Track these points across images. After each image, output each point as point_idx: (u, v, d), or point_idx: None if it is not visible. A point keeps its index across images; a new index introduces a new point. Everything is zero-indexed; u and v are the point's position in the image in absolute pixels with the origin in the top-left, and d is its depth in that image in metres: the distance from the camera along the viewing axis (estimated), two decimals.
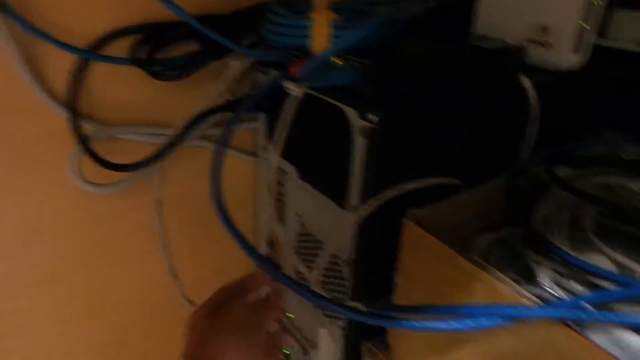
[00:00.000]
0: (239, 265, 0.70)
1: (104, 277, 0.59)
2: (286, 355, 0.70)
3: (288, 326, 0.67)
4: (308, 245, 0.56)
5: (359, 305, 0.35)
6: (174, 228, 0.60)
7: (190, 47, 0.50)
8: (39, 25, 0.44)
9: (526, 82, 0.47)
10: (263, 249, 0.64)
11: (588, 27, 0.53)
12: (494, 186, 0.47)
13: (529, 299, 0.32)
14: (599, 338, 0.30)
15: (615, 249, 0.39)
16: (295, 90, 0.41)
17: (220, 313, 0.40)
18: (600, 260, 0.38)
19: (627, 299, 0.32)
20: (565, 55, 0.52)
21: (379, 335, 0.51)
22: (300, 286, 0.35)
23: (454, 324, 0.28)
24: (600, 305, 0.31)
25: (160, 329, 0.66)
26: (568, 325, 0.29)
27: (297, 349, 0.64)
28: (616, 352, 0.29)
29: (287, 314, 0.65)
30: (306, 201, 0.55)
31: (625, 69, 0.59)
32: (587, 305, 0.29)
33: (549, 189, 0.48)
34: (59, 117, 0.47)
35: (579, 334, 0.28)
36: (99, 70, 0.49)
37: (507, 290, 0.33)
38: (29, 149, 0.48)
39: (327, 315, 0.56)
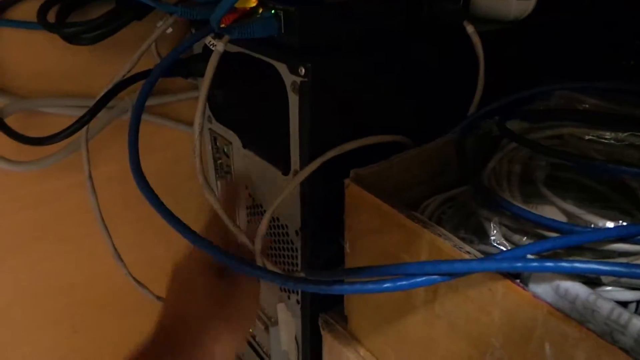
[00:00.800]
0: (185, 245, 0.67)
1: (45, 262, 0.56)
2: (250, 333, 0.68)
3: None
4: (259, 217, 0.53)
5: (298, 274, 0.33)
6: (115, 208, 0.56)
7: (106, 8, 0.45)
8: None
9: (470, 29, 0.44)
10: None
11: None
12: (443, 142, 0.45)
13: (469, 253, 0.30)
14: (541, 290, 0.28)
15: (566, 199, 0.37)
16: (216, 45, 0.37)
17: (227, 286, 0.36)
18: (551, 212, 0.36)
19: (572, 246, 0.30)
20: (512, 2, 0.50)
21: (335, 308, 0.49)
22: (237, 260, 0.32)
23: (386, 285, 0.26)
24: (543, 256, 0.29)
25: (109, 310, 0.63)
26: (507, 278, 0.27)
27: (259, 326, 0.62)
28: (560, 303, 0.27)
29: None
30: (252, 171, 0.52)
31: (573, 14, 0.57)
32: (528, 256, 0.27)
33: (500, 143, 0.46)
34: None
35: (517, 285, 0.26)
36: (9, 37, 0.44)
37: (447, 247, 0.31)
38: None
39: (283, 289, 0.54)
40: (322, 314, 0.50)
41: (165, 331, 0.33)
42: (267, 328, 0.61)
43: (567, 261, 0.24)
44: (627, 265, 0.24)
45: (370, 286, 0.26)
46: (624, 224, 0.30)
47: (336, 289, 0.28)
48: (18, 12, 0.44)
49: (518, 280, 0.28)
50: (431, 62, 0.46)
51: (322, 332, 0.49)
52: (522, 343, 0.28)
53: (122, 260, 0.53)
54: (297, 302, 0.52)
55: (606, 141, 0.43)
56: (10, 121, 0.44)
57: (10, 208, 0.50)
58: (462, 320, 0.32)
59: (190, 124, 0.60)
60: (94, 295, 0.60)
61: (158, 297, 0.58)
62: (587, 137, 0.44)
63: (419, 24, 0.44)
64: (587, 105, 0.51)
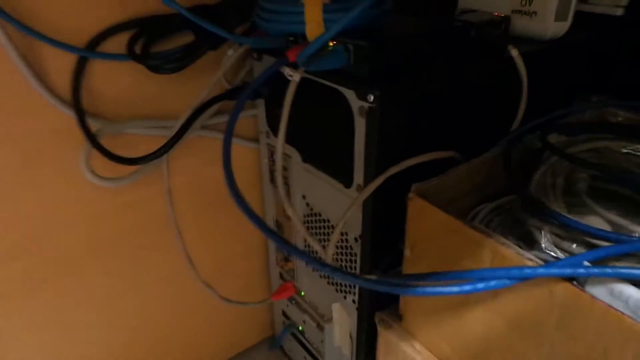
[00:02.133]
0: (249, 248, 0.72)
1: (122, 268, 0.61)
2: (299, 330, 0.73)
3: (301, 304, 0.69)
4: (317, 225, 0.58)
5: (373, 276, 0.37)
6: (185, 216, 0.61)
7: (185, 39, 0.50)
8: (37, 27, 0.45)
9: (514, 52, 0.48)
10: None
11: None
12: (490, 157, 0.49)
13: (531, 260, 0.34)
14: (597, 292, 0.32)
15: (609, 209, 0.41)
16: (293, 75, 0.42)
17: None
18: (595, 221, 0.41)
19: (621, 254, 0.34)
20: (550, 24, 0.54)
21: (389, 307, 0.54)
22: (315, 261, 0.37)
23: (465, 287, 0.31)
24: (596, 262, 0.34)
25: (181, 313, 0.69)
26: (568, 282, 0.31)
27: (311, 324, 0.67)
28: (614, 303, 0.31)
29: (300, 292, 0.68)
30: (311, 183, 0.57)
31: (606, 33, 0.61)
32: (585, 262, 0.32)
33: (543, 156, 0.50)
34: (67, 116, 0.48)
35: (578, 288, 0.31)
36: (100, 68, 0.50)
37: (511, 254, 0.35)
38: (40, 148, 0.49)
39: (339, 291, 0.59)
40: (378, 312, 0.54)
41: None
42: (319, 325, 0.66)
43: (624, 267, 0.28)
44: None
45: (450, 289, 0.31)
46: None
47: (419, 291, 0.33)
48: (108, 45, 0.49)
49: (575, 282, 0.32)
50: (478, 83, 0.51)
51: (379, 329, 0.54)
52: (580, 338, 0.32)
53: (192, 265, 0.58)
54: (353, 302, 0.57)
55: None
56: (102, 143, 0.50)
57: (97, 219, 0.55)
58: (522, 318, 0.37)
59: (247, 139, 0.65)
60: (164, 294, 0.66)
61: (223, 298, 0.63)
62: (623, 150, 0.49)
63: (468, 49, 0.49)
64: (620, 119, 0.55)
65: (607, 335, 0.31)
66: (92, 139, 0.47)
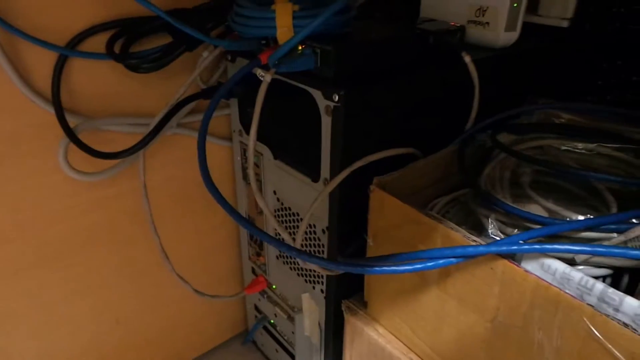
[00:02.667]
0: (222, 243, 0.75)
1: (99, 260, 0.62)
2: (271, 323, 0.76)
3: (272, 297, 0.72)
4: (287, 218, 0.62)
5: (337, 258, 0.41)
6: (161, 211, 0.64)
7: (163, 40, 0.53)
8: (19, 25, 0.47)
9: (467, 59, 0.53)
10: None
11: (520, 7, 0.60)
12: (447, 153, 0.54)
13: (475, 241, 0.39)
14: (530, 267, 0.37)
15: (547, 199, 0.46)
16: (265, 76, 0.46)
17: None
18: (535, 209, 0.46)
19: (552, 235, 0.39)
20: (501, 33, 0.59)
21: (354, 295, 0.58)
22: (284, 244, 0.40)
23: (417, 266, 0.35)
24: (530, 242, 0.38)
25: (155, 307, 0.70)
26: (506, 259, 0.36)
27: (282, 316, 0.70)
28: (544, 276, 0.36)
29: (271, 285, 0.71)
30: (281, 178, 0.60)
31: (552, 43, 0.67)
32: (520, 241, 0.36)
33: (493, 152, 0.55)
34: (46, 111, 0.50)
35: (513, 263, 0.35)
36: (80, 66, 0.52)
37: (458, 237, 0.39)
38: (18, 142, 0.51)
39: (308, 282, 0.62)
40: (344, 300, 0.58)
41: None
42: (289, 317, 0.69)
43: (549, 244, 0.33)
44: (592, 246, 0.34)
45: (404, 267, 0.35)
46: (591, 217, 0.40)
47: (377, 270, 0.36)
48: (88, 44, 0.51)
49: (512, 260, 0.37)
50: (435, 86, 0.55)
51: (345, 316, 0.57)
52: (517, 307, 0.37)
53: (167, 258, 0.61)
54: (322, 291, 0.60)
55: (578, 151, 0.53)
56: (80, 138, 0.52)
57: (72, 213, 0.57)
58: (469, 294, 0.41)
59: (220, 137, 0.68)
60: (138, 289, 0.67)
61: (196, 291, 0.65)
62: (563, 148, 0.54)
63: (426, 56, 0.54)
64: (563, 120, 0.60)
65: (539, 304, 0.35)
66: (71, 133, 0.50)
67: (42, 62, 0.49)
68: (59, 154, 0.50)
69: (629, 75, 0.72)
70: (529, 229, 0.43)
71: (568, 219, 0.41)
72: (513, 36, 0.62)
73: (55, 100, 0.49)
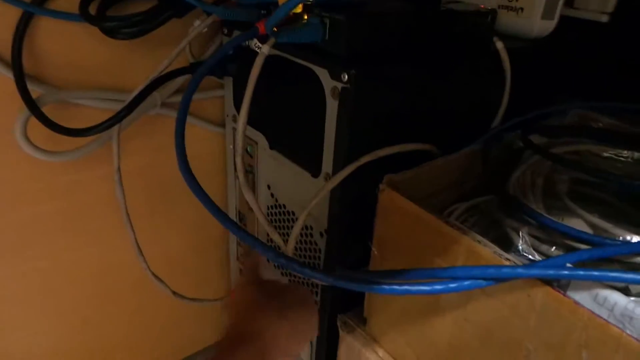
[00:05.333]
0: (207, 241, 0.67)
1: (65, 252, 0.56)
2: None
3: None
4: (281, 217, 0.54)
5: (337, 271, 0.34)
6: (138, 202, 0.56)
7: (147, 5, 0.46)
8: None
9: (499, 45, 0.46)
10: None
11: None
12: (468, 152, 0.46)
13: (509, 260, 0.31)
14: (580, 297, 0.29)
15: (591, 212, 0.39)
16: (260, 46, 0.38)
17: (266, 288, 0.38)
18: (576, 224, 0.38)
19: (603, 258, 0.32)
20: (536, 21, 0.52)
21: (353, 309, 0.50)
22: (270, 249, 0.33)
23: (437, 287, 0.27)
24: (578, 266, 0.31)
25: (127, 304, 0.63)
26: (549, 285, 0.28)
27: None
28: (598, 310, 0.28)
29: None
30: (277, 171, 0.53)
31: (590, 38, 0.60)
32: (568, 264, 0.29)
33: (523, 155, 0.48)
34: (4, 77, 0.43)
35: (558, 291, 0.28)
36: (48, 27, 0.45)
37: (487, 253, 0.32)
38: None
39: None
40: (340, 315, 0.51)
41: (230, 338, 0.34)
42: None
43: (611, 270, 0.25)
44: None
45: (420, 287, 0.28)
46: None
47: (385, 289, 0.29)
48: (59, 3, 0.44)
49: (556, 286, 0.29)
50: (460, 75, 0.48)
51: (341, 333, 0.50)
52: (559, 348, 0.29)
53: (142, 255, 0.53)
54: (315, 302, 0.53)
55: (624, 159, 0.46)
56: (44, 111, 0.44)
57: (38, 197, 0.50)
58: (495, 324, 0.33)
59: (212, 122, 0.61)
60: (109, 288, 0.60)
61: (174, 293, 0.58)
62: (605, 155, 0.47)
63: (451, 40, 0.46)
64: (601, 124, 0.53)
65: (591, 345, 0.28)
66: (32, 105, 0.42)
67: (3, 19, 0.42)
68: (16, 127, 0.43)
69: None
70: (569, 247, 0.35)
71: (621, 239, 0.34)
72: (550, 25, 0.54)
73: (15, 64, 0.42)
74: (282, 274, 0.57)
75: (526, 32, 0.54)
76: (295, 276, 0.55)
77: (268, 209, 0.56)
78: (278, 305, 0.35)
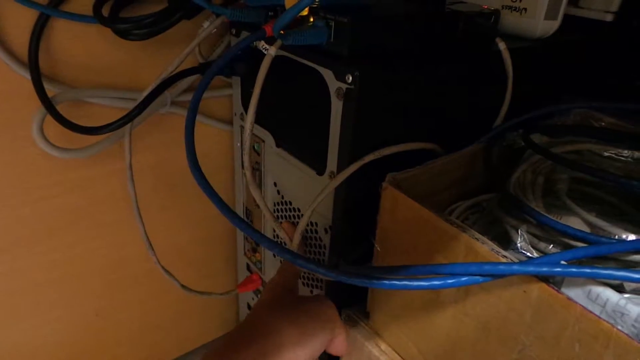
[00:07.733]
0: (215, 235, 0.69)
1: (77, 246, 0.57)
2: None
3: None
4: (287, 214, 0.56)
5: (340, 266, 0.35)
6: (148, 197, 0.58)
7: (158, 6, 0.47)
8: None
9: (502, 45, 0.47)
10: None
11: None
12: (470, 151, 0.47)
13: (506, 257, 0.32)
14: (573, 294, 0.30)
15: (589, 211, 0.40)
16: (267, 48, 0.39)
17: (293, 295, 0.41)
18: (574, 222, 0.39)
19: (599, 256, 0.33)
20: (540, 21, 0.53)
21: (356, 304, 0.52)
22: (276, 245, 0.34)
23: (435, 282, 0.28)
24: (573, 263, 0.32)
25: (136, 297, 0.65)
26: (544, 281, 0.29)
27: None
28: (590, 306, 0.30)
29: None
30: (283, 169, 0.54)
31: (594, 37, 0.60)
32: (563, 261, 0.30)
33: (524, 154, 0.48)
34: (21, 77, 0.45)
35: (555, 289, 0.29)
36: (63, 28, 0.46)
37: (485, 250, 0.33)
38: None
39: (305, 285, 0.56)
40: (344, 309, 0.52)
41: (247, 326, 0.36)
42: None
43: (603, 268, 0.26)
44: None
45: (419, 283, 0.29)
46: None
47: (386, 284, 0.30)
48: (74, 5, 0.45)
49: (551, 283, 0.30)
50: (464, 74, 0.49)
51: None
52: (553, 342, 0.30)
53: (152, 248, 0.55)
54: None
55: (624, 158, 0.46)
56: (59, 109, 0.46)
57: (52, 192, 0.51)
58: (492, 318, 0.34)
59: (220, 120, 0.62)
60: (119, 280, 0.62)
61: (183, 286, 0.60)
62: (605, 154, 0.47)
63: (454, 40, 0.47)
64: (603, 123, 0.54)
65: (583, 340, 0.29)
66: (48, 103, 0.44)
67: (20, 22, 0.44)
68: (33, 125, 0.44)
69: None
70: (567, 245, 0.36)
71: (617, 237, 0.35)
72: (553, 25, 0.55)
73: (32, 64, 0.44)
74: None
75: (530, 32, 0.54)
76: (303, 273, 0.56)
77: (274, 205, 0.57)
78: (295, 313, 0.37)
